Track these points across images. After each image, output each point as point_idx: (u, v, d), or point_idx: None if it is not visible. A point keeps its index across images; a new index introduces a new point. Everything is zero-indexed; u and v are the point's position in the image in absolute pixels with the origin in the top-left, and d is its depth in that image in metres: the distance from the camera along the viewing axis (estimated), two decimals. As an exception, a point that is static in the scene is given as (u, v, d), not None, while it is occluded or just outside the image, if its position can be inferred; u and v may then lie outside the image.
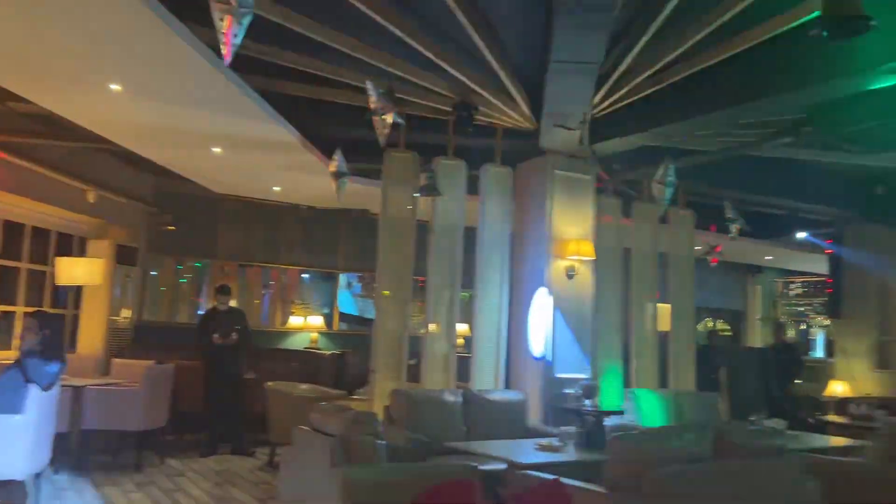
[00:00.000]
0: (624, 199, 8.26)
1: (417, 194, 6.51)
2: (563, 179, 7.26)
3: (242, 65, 5.52)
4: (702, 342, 11.14)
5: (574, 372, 7.03)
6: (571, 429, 5.38)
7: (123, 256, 9.43)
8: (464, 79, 6.03)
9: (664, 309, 8.63)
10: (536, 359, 7.05)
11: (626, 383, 8.05)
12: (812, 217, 10.15)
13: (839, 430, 8.30)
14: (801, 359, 10.27)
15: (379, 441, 4.26)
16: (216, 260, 10.63)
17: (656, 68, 5.71)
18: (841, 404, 9.14)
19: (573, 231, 7.24)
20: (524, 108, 6.52)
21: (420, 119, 7.11)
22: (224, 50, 3.15)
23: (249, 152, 7.43)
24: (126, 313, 9.71)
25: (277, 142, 6.76)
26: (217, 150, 7.22)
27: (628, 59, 5.54)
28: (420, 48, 5.53)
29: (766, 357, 9.93)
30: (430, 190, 6.27)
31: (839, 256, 10.32)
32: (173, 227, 10.06)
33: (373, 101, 5.03)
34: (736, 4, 4.56)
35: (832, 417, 8.68)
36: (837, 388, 9.68)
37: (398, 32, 5.25)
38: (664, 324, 8.62)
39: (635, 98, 6.36)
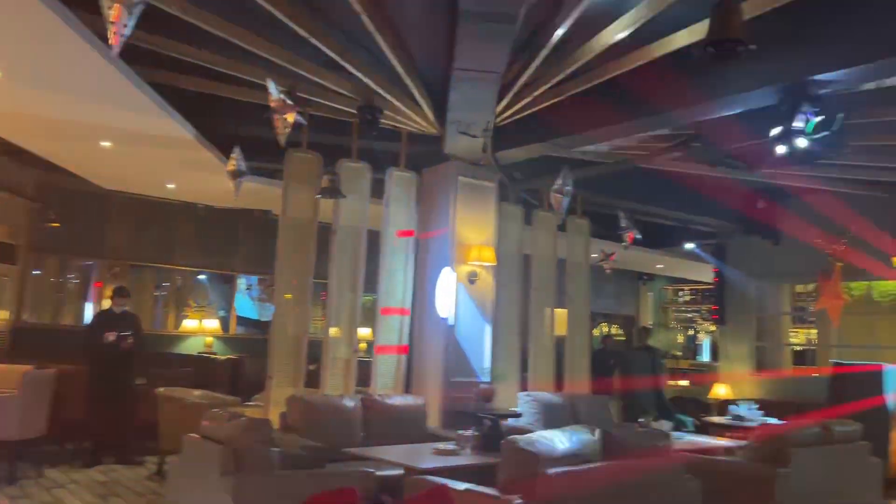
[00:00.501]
0: (525, 207, 8.45)
1: (319, 196, 6.41)
2: (466, 186, 7.35)
3: (137, 57, 5.30)
4: (596, 346, 11.54)
5: (473, 376, 7.11)
6: (469, 432, 5.43)
7: (1, 254, 8.82)
8: (369, 82, 6.00)
9: (561, 314, 8.88)
10: (437, 363, 7.09)
11: (524, 386, 8.22)
12: (699, 228, 10.70)
13: (721, 430, 8.78)
14: (661, 362, 10.71)
15: (272, 448, 4.16)
16: (105, 259, 10.11)
17: (557, 80, 5.87)
18: (723, 406, 9.67)
19: (476, 237, 7.34)
20: (429, 113, 6.56)
21: (324, 120, 7.02)
22: (112, 39, 3.00)
23: (141, 147, 7.12)
24: (3, 315, 9.08)
25: (171, 138, 6.51)
26: (106, 143, 6.88)
27: (530, 71, 5.67)
28: (325, 49, 5.46)
29: (626, 358, 10.34)
30: (333, 192, 6.20)
31: (722, 266, 10.94)
32: (57, 224, 9.50)
33: (273, 99, 4.92)
34: (632, 23, 4.75)
35: (715, 419, 9.16)
36: (720, 390, 10.24)
37: (303, 32, 5.17)
38: (561, 328, 8.87)
39: (537, 108, 6.51)
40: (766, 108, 5.37)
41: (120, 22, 3.00)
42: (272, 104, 4.97)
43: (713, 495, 4.86)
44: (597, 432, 4.40)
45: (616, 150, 7.65)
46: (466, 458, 5.10)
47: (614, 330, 14.68)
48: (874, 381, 7.83)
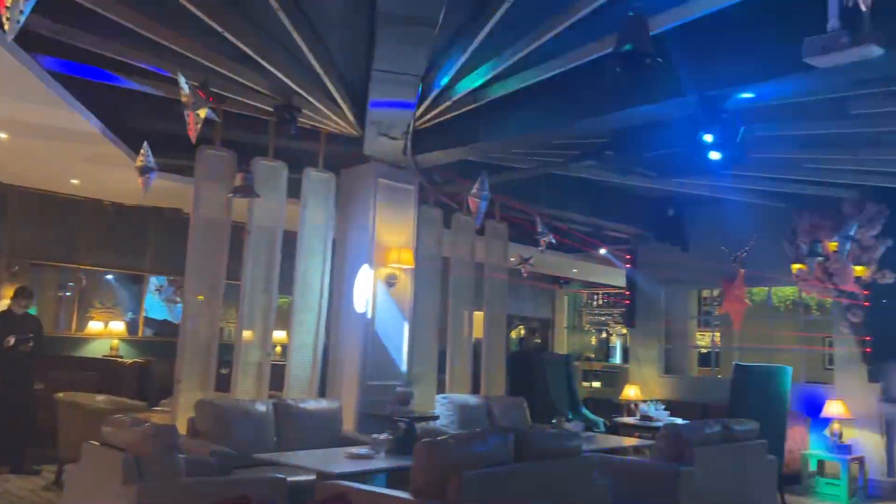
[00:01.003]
0: (445, 210, 8.49)
1: (232, 195, 6.24)
2: (386, 188, 7.32)
3: (39, 45, 5.03)
4: (513, 349, 11.72)
5: (390, 379, 7.08)
6: (384, 436, 5.41)
7: None
8: (287, 80, 5.89)
9: (479, 316, 8.97)
10: (353, 366, 7.03)
11: (442, 388, 8.26)
12: (613, 234, 11.02)
13: (631, 430, 9.06)
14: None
15: (178, 455, 4.02)
16: (3, 257, 9.53)
17: (476, 85, 5.92)
18: (633, 407, 9.98)
19: (395, 240, 7.32)
20: (348, 114, 6.50)
21: (240, 117, 6.84)
22: (6, 25, 2.83)
23: (41, 140, 6.75)
24: None
25: (75, 131, 6.20)
26: (2, 135, 6.49)
27: (450, 75, 5.70)
28: (242, 45, 5.33)
29: (542, 361, 10.57)
30: (246, 191, 6.05)
31: (633, 271, 11.31)
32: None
33: (184, 94, 4.76)
34: (547, 32, 4.84)
35: (625, 419, 9.44)
36: (631, 391, 10.56)
37: (218, 27, 5.02)
38: (479, 331, 8.96)
39: (457, 113, 6.55)
40: (677, 120, 5.58)
41: (15, 6, 2.83)
42: (183, 99, 4.80)
43: (622, 494, 5.00)
44: (510, 434, 4.46)
45: (534, 155, 7.78)
46: (380, 462, 5.07)
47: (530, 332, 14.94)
48: (773, 382, 8.25)
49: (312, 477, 4.78)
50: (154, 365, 9.38)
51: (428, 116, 6.57)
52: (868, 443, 8.55)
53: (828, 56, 3.85)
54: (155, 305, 11.18)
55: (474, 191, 6.61)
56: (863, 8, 3.16)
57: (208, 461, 4.65)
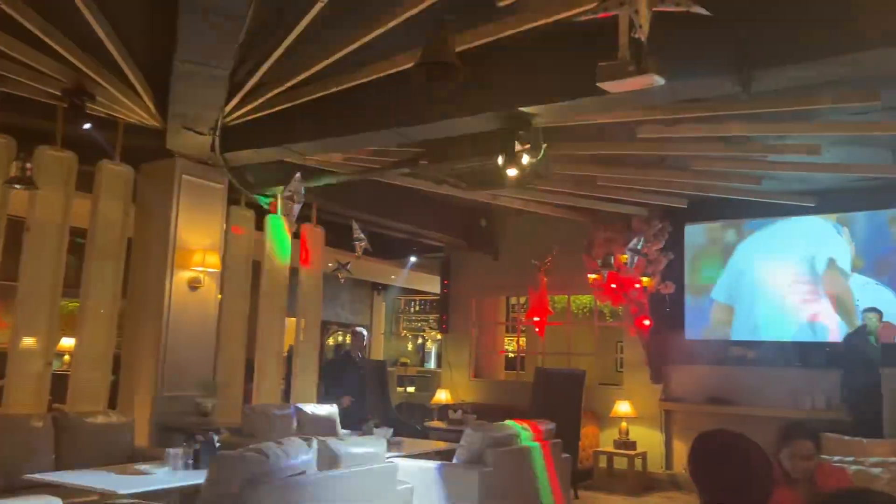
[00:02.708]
0: (258, 212, 8.19)
1: (7, 184, 5.58)
2: (191, 185, 6.92)
3: None
4: (329, 355, 11.56)
5: (190, 389, 6.68)
6: (179, 450, 5.07)
7: None
8: (78, 63, 5.38)
9: (292, 322, 8.73)
10: (149, 376, 6.55)
11: (249, 399, 7.94)
12: (429, 242, 11.24)
13: (442, 434, 9.26)
14: (387, 370, 11.09)
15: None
16: None
17: (289, 84, 5.76)
18: (443, 411, 10.21)
19: (200, 241, 6.93)
20: (149, 104, 6.06)
21: (23, 100, 6.13)
22: None
23: None
24: None
25: None
26: None
27: (261, 71, 5.50)
28: (25, 22, 4.78)
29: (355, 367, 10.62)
30: (24, 182, 5.43)
31: (447, 278, 11.63)
32: None
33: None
34: (359, 37, 4.83)
35: (435, 423, 9.63)
36: (442, 395, 10.81)
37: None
38: (291, 337, 8.72)
39: (271, 111, 6.33)
40: (488, 133, 5.77)
41: None
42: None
43: (427, 497, 5.08)
44: (314, 442, 4.36)
45: (350, 160, 7.73)
46: (173, 479, 4.74)
47: (349, 339, 14.81)
48: (570, 384, 8.82)
49: (94, 498, 4.38)
50: None
51: (239, 113, 6.29)
52: (650, 439, 9.40)
53: (617, 83, 4.17)
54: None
55: (287, 192, 6.43)
56: (642, 39, 3.44)
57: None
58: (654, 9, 3.26)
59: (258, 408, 7.36)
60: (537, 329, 10.19)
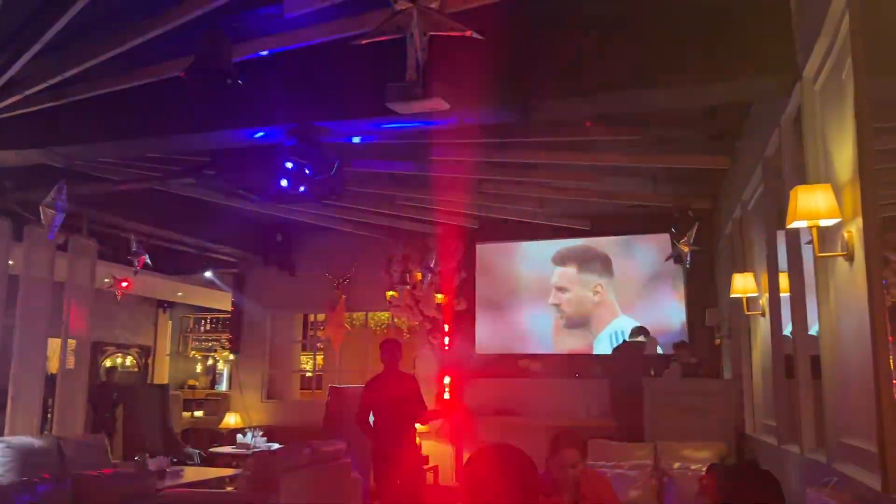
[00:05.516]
0: (16, 221, 7.28)
1: None
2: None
3: None
4: (101, 379, 10.58)
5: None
6: None
7: None
8: None
9: (55, 344, 7.85)
10: None
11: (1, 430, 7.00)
12: (219, 257, 10.68)
13: (230, 460, 8.78)
14: (169, 394, 10.51)
15: None
16: None
17: (54, 82, 5.19)
18: (233, 435, 9.71)
19: (-61, 252, 6.01)
20: None
21: None
22: None
23: None
24: None
25: None
26: None
27: (18, 65, 4.90)
28: None
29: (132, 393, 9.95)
30: None
31: (240, 295, 11.14)
32: None
33: None
34: (133, 38, 4.48)
35: (221, 449, 9.13)
36: (231, 419, 10.28)
37: None
38: (55, 360, 7.83)
39: (34, 109, 5.66)
40: (274, 146, 5.57)
41: None
42: None
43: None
44: (67, 481, 3.91)
45: (129, 167, 7.14)
46: None
47: (130, 361, 13.65)
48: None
49: None
50: None
51: (-7, 108, 5.56)
52: (443, 453, 9.58)
53: (404, 104, 4.21)
54: None
55: (48, 199, 5.76)
56: (421, 63, 3.51)
57: None
58: (431, 32, 3.33)
59: (10, 440, 6.50)
60: (334, 346, 10.06)
